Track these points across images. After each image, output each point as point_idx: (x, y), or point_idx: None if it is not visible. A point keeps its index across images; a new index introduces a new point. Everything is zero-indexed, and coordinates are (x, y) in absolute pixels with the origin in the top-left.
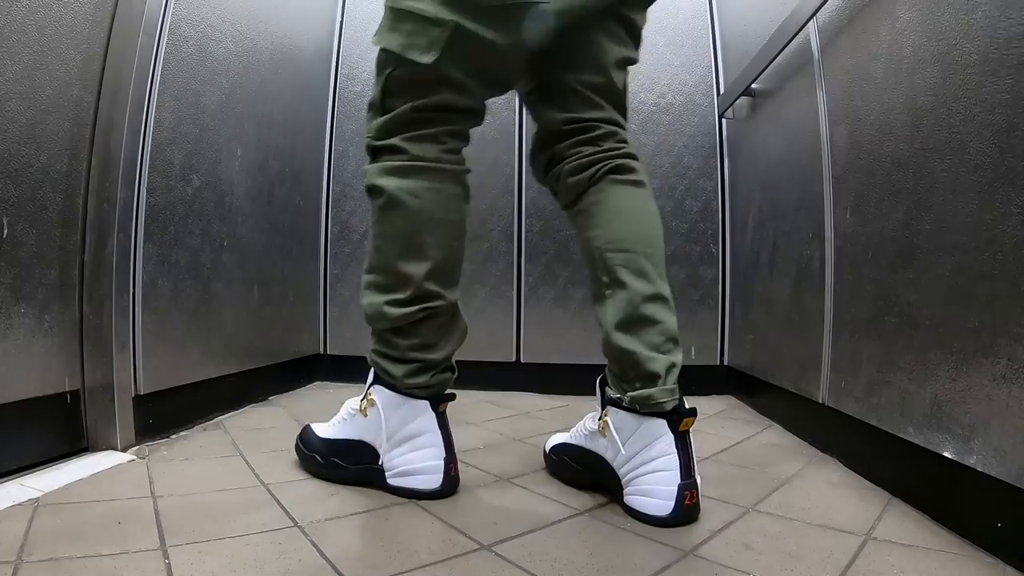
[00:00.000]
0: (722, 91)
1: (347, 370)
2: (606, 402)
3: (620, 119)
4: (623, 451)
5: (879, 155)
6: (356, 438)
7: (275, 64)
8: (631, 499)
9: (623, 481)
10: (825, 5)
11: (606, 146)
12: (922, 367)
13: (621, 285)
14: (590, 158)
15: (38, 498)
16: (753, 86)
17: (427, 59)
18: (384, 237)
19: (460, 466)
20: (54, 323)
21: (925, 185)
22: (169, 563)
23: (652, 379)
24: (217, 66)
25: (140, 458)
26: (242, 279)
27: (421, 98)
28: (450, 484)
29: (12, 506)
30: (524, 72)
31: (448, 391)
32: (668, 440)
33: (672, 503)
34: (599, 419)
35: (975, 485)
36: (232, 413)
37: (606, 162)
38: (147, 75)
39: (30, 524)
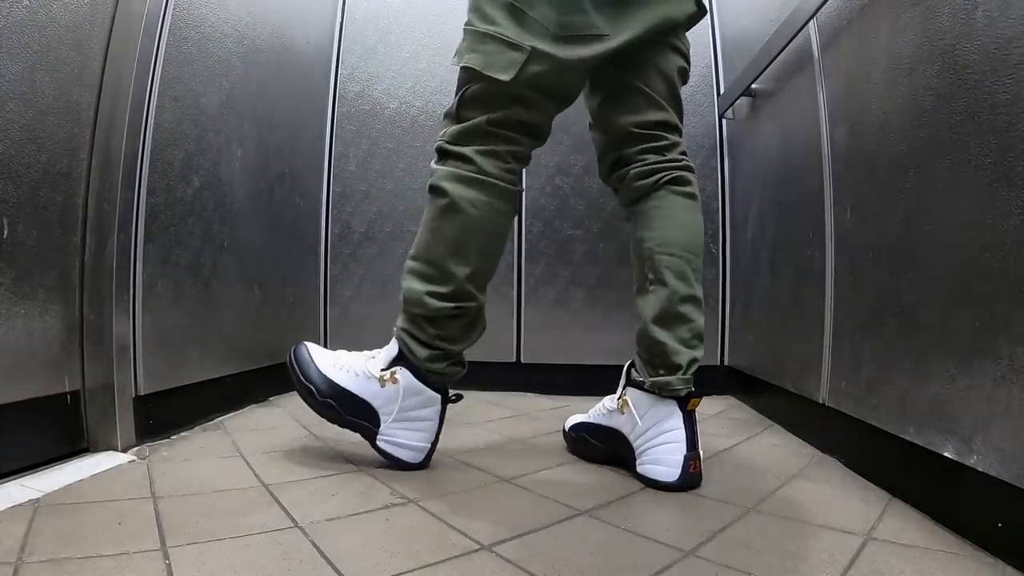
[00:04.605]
0: (722, 91)
1: None
2: (628, 383)
3: (680, 126)
4: (640, 423)
5: (879, 155)
6: (366, 399)
7: (275, 65)
8: (643, 467)
9: (636, 452)
10: (825, 5)
11: (669, 156)
12: (922, 367)
13: (664, 284)
14: (654, 166)
15: (38, 499)
16: (753, 86)
17: (505, 77)
18: (437, 234)
19: (460, 466)
20: (54, 323)
21: (925, 185)
22: (169, 563)
23: (674, 369)
24: (217, 67)
25: (140, 459)
26: (242, 279)
27: (495, 112)
28: (425, 460)
29: (12, 506)
30: (585, 85)
31: (457, 392)
32: (678, 417)
33: (679, 471)
34: (618, 399)
35: (975, 485)
36: (232, 413)
37: (668, 172)
38: (147, 76)
39: (30, 524)
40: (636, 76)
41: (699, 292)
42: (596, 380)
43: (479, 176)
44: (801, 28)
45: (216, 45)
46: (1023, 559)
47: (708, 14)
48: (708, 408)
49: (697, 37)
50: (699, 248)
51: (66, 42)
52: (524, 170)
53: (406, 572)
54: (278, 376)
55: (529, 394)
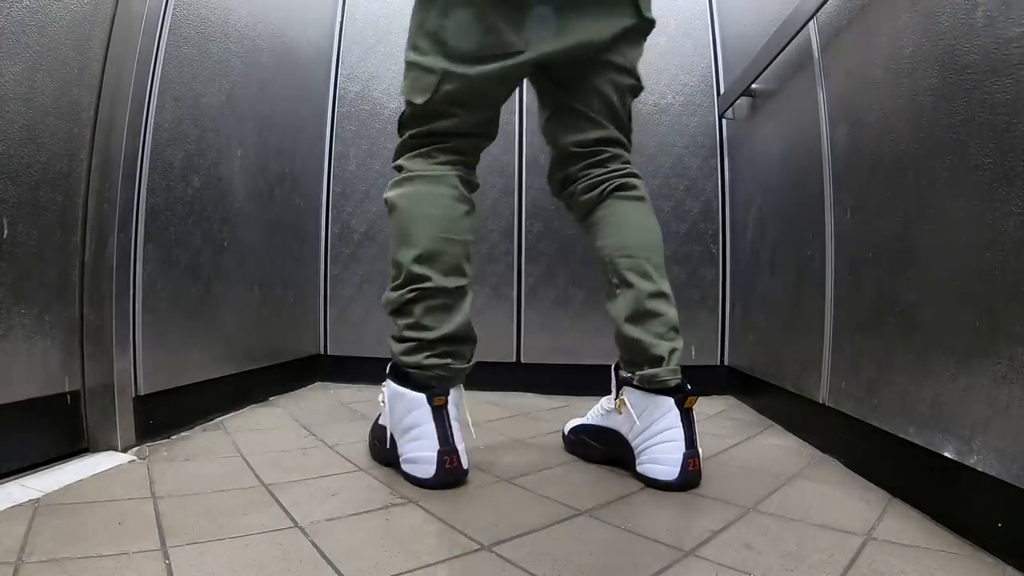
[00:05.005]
0: (722, 91)
1: (347, 370)
2: (620, 383)
3: (624, 140)
4: (638, 423)
5: (879, 155)
6: (383, 423)
7: (275, 64)
8: (643, 467)
9: (636, 451)
10: (825, 5)
11: (612, 167)
12: (922, 367)
13: (629, 285)
14: (599, 179)
15: (38, 499)
16: (753, 86)
17: (421, 99)
18: (391, 237)
19: None
20: (54, 323)
21: (925, 185)
22: (169, 563)
23: (657, 361)
24: (217, 66)
25: (140, 459)
26: (242, 279)
27: (416, 127)
28: (445, 475)
29: (12, 506)
30: (512, 92)
31: (440, 391)
32: (675, 415)
33: (678, 469)
34: (615, 399)
35: (975, 485)
36: (232, 414)
37: (612, 181)
38: (147, 75)
39: (30, 524)
40: (573, 97)
41: (666, 287)
42: (596, 380)
43: (407, 175)
44: (801, 28)
45: (216, 45)
46: (1023, 559)
47: (654, 25)
48: (708, 408)
49: (697, 37)
50: (656, 246)
51: (66, 42)
52: (521, 171)
53: (406, 572)
54: (278, 376)
55: (529, 394)
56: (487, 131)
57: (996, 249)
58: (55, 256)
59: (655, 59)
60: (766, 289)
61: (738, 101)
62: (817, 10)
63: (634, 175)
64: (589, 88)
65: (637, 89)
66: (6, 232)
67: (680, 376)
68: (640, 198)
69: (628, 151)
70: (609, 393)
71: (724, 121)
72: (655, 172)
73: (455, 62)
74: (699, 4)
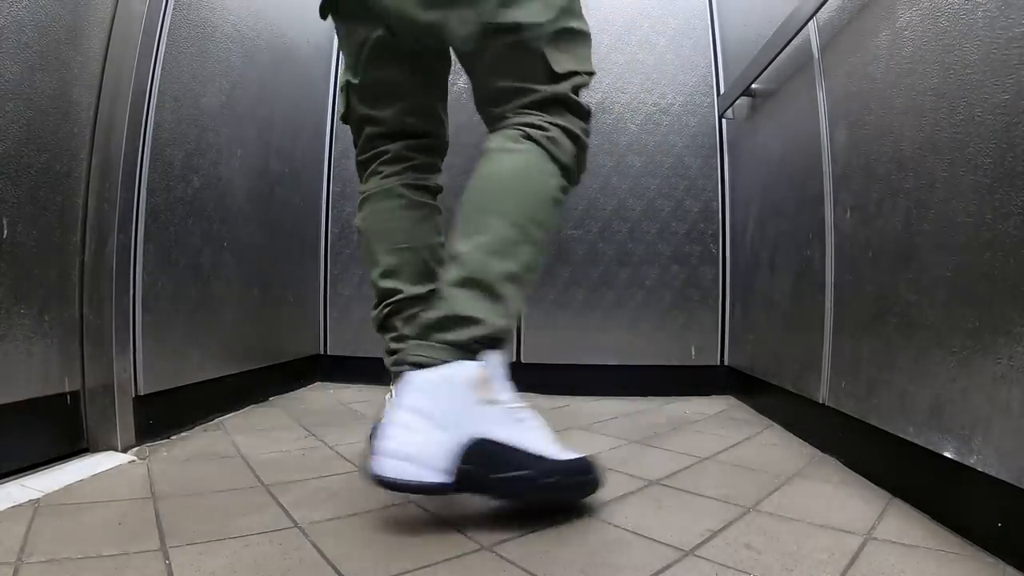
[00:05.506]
0: (722, 91)
1: (347, 370)
2: None
3: (516, 86)
4: None
5: (879, 155)
6: None
7: (275, 64)
8: None
9: None
10: (825, 5)
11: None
12: (922, 367)
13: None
14: None
15: (38, 499)
16: (753, 86)
17: (341, 113)
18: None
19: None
20: (54, 323)
21: (925, 185)
22: (169, 564)
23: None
24: (217, 67)
25: (140, 459)
26: (242, 279)
27: (356, 142)
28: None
29: (12, 507)
30: (413, 74)
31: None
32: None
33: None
34: None
35: (975, 485)
36: (232, 414)
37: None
38: (147, 75)
39: (30, 525)
40: (474, 89)
41: (460, 247)
42: (596, 380)
43: (364, 197)
44: (801, 28)
45: (216, 45)
46: (1023, 559)
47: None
48: (708, 408)
49: (697, 37)
50: (476, 205)
51: (66, 42)
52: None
53: (406, 572)
54: (278, 376)
55: (529, 394)
56: (415, 128)
57: (996, 249)
58: (55, 256)
59: (655, 59)
60: (766, 289)
61: (738, 101)
62: (817, 10)
63: (499, 130)
64: (476, 71)
65: (513, 31)
66: (6, 232)
67: (409, 358)
68: (488, 151)
69: (528, 105)
70: (611, 393)
71: (724, 121)
72: (655, 172)
73: (353, 73)
74: (699, 4)
